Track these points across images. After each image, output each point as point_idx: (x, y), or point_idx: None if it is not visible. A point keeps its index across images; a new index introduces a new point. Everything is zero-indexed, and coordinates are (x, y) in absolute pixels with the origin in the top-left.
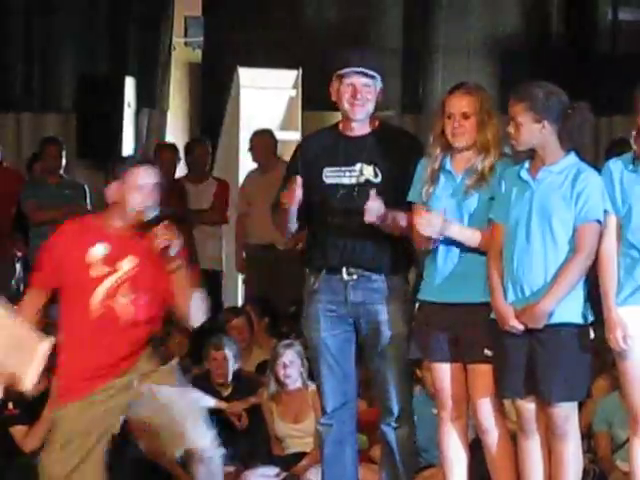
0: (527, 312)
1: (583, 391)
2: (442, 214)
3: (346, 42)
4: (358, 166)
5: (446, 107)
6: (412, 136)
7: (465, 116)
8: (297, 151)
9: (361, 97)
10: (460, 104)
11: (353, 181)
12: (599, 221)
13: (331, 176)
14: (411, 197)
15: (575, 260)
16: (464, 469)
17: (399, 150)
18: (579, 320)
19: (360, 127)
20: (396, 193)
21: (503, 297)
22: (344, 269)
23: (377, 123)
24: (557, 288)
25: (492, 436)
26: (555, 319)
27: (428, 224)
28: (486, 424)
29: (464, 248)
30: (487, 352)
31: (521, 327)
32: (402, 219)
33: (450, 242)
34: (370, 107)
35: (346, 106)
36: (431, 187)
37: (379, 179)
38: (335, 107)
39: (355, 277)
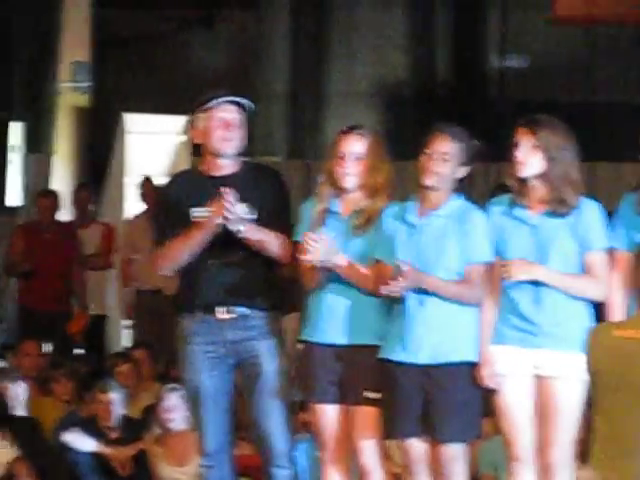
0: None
1: (475, 431)
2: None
3: (234, 87)
4: None
5: (338, 147)
6: (275, 170)
7: (357, 158)
8: (162, 194)
9: (233, 131)
10: (353, 146)
11: None
12: (487, 262)
13: (200, 217)
14: (298, 237)
15: (466, 289)
16: None
17: (268, 185)
18: (472, 358)
19: (227, 165)
20: (272, 228)
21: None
22: (220, 308)
23: (240, 161)
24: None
25: (375, 478)
26: (449, 358)
27: (315, 249)
28: (369, 466)
29: (350, 288)
30: (368, 394)
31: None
32: (273, 236)
33: (336, 282)
34: (240, 143)
35: (216, 142)
36: (318, 227)
37: (254, 216)
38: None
39: (233, 315)
